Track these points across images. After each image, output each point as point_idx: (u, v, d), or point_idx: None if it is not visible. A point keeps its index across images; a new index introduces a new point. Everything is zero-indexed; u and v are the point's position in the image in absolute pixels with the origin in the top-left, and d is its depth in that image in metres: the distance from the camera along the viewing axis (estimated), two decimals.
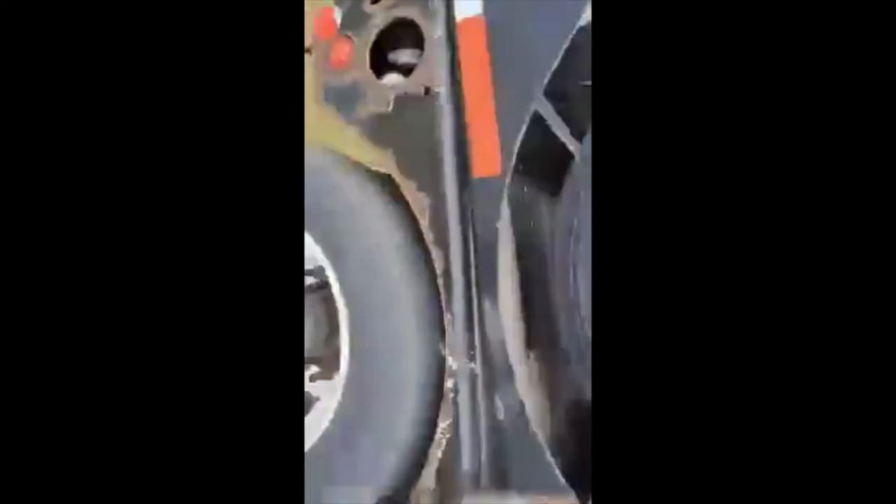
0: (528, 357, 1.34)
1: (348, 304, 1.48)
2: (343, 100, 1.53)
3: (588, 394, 1.30)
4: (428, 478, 1.41)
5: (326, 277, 1.50)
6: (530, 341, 1.35)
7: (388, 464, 1.48)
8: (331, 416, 1.51)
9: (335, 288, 1.50)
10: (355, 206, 1.47)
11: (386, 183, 1.50)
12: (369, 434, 1.48)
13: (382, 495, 1.47)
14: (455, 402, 1.37)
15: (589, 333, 1.26)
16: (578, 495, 1.27)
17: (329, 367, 1.56)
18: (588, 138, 1.30)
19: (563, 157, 1.34)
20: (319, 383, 1.69)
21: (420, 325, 1.43)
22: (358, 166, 1.53)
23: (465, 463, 1.36)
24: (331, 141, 1.51)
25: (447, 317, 1.37)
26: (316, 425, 1.53)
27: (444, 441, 1.39)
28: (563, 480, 1.26)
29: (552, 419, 1.33)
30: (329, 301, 1.55)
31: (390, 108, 1.47)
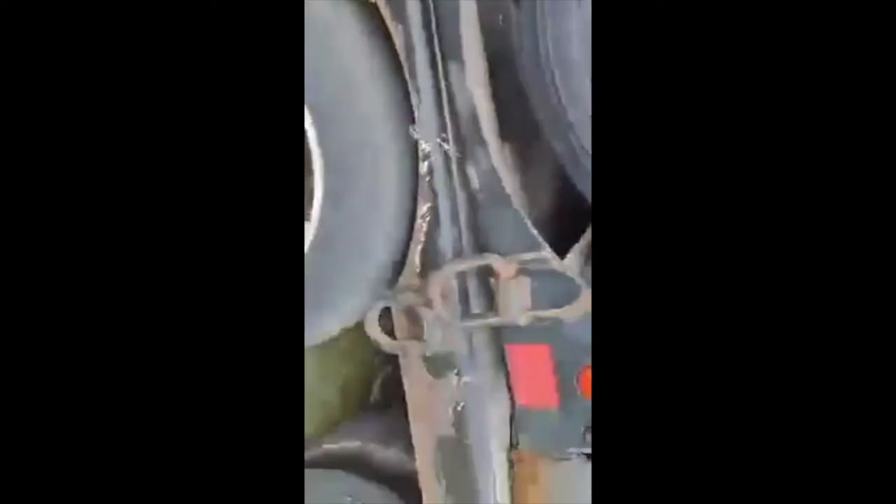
0: (500, 130, 1.36)
1: (321, 147, 1.48)
2: None
3: (565, 165, 1.34)
4: (413, 259, 1.47)
5: None
6: (501, 114, 1.37)
7: (372, 269, 1.54)
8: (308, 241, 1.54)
9: (310, 134, 1.47)
10: (332, 35, 1.40)
11: (366, 9, 1.42)
12: (350, 246, 1.53)
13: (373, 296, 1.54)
14: (431, 185, 1.41)
15: (568, 114, 1.28)
16: (556, 251, 1.35)
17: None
18: None
19: None
20: None
21: (393, 128, 1.43)
22: None
23: (446, 237, 1.42)
24: None
25: (414, 98, 1.37)
26: None
27: (424, 225, 1.44)
28: (539, 238, 1.33)
29: (527, 185, 1.39)
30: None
31: None
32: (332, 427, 2.39)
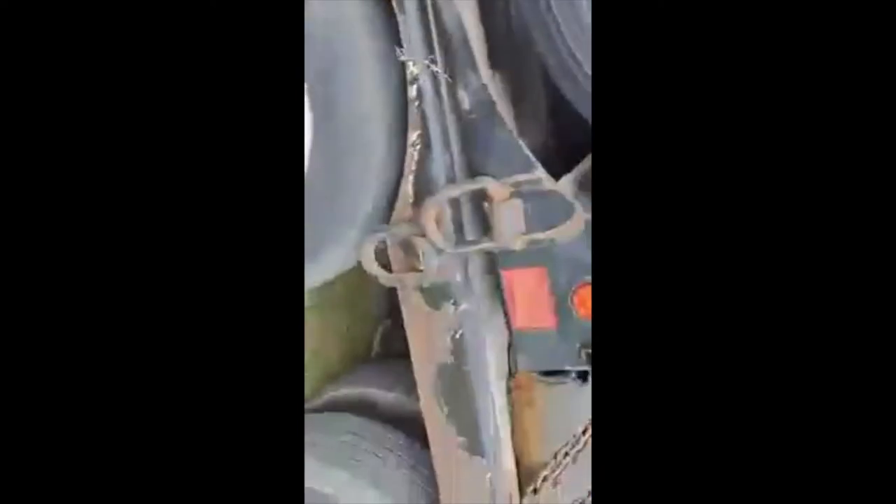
0: (491, 51, 1.35)
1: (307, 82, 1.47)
2: None
3: (558, 82, 1.33)
4: (405, 189, 1.46)
5: None
6: (491, 35, 1.35)
7: (365, 203, 1.54)
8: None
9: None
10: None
11: None
12: (341, 182, 1.53)
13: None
14: (421, 110, 1.39)
15: (566, 37, 1.27)
16: (551, 173, 1.35)
17: None
18: None
19: None
20: None
21: (380, 52, 1.41)
22: None
23: (438, 163, 1.41)
24: None
25: (400, 18, 1.34)
26: None
27: (415, 153, 1.43)
28: (532, 158, 1.33)
29: (519, 104, 1.38)
30: None
31: None
32: (334, 379, 2.43)
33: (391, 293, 1.68)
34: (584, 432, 1.49)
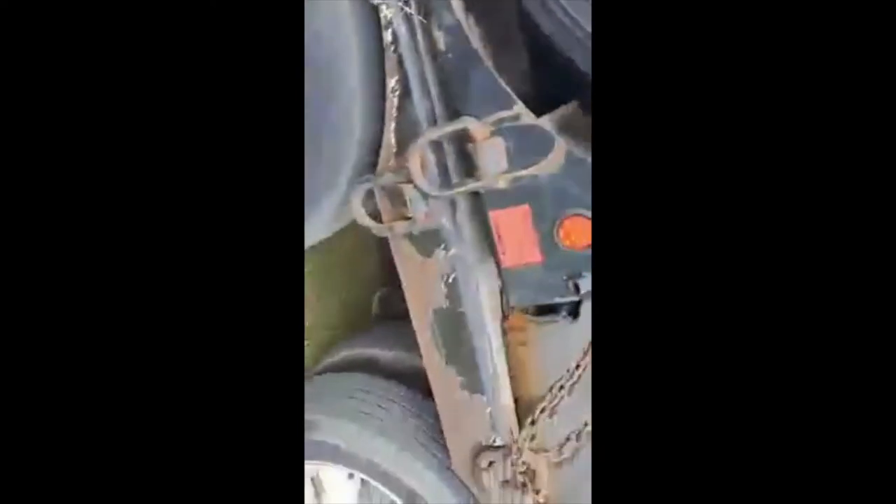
0: None
1: None
2: None
3: (542, 23, 1.34)
4: (388, 139, 1.47)
5: None
6: None
7: (352, 156, 1.56)
8: None
9: None
10: None
11: None
12: (327, 139, 1.54)
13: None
14: (398, 55, 1.39)
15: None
16: (531, 108, 1.36)
17: None
18: None
19: None
20: None
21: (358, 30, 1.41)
22: None
23: (419, 108, 1.41)
24: None
25: None
26: None
27: (395, 100, 1.44)
28: (512, 94, 1.33)
29: (496, 43, 1.38)
30: None
31: None
32: (334, 344, 2.47)
33: (385, 259, 1.68)
34: (577, 367, 1.52)
